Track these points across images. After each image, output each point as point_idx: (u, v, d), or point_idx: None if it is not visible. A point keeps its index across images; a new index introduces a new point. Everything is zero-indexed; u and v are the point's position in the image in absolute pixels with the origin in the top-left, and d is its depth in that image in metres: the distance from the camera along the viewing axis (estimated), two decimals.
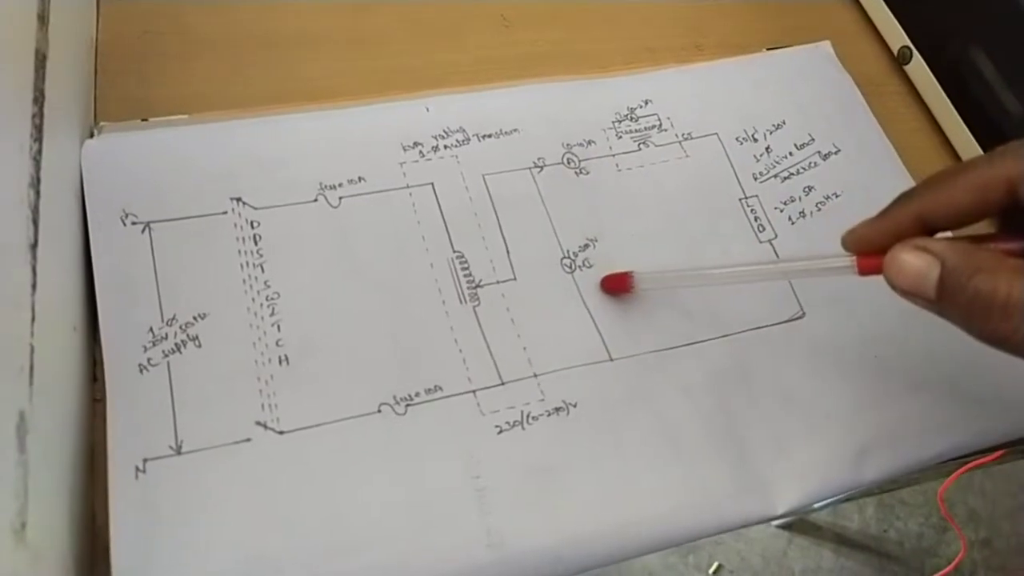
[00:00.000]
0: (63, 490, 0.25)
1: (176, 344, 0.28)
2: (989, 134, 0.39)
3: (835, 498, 0.98)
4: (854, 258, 0.26)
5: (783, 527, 1.15)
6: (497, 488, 0.28)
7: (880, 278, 0.25)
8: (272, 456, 0.27)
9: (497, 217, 0.33)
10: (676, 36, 0.42)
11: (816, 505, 1.03)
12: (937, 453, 0.32)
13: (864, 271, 0.25)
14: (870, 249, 0.25)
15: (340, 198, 0.32)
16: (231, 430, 0.27)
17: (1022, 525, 1.24)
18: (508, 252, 0.32)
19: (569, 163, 0.35)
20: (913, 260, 0.23)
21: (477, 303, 0.31)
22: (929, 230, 0.24)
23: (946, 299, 0.23)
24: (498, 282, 0.32)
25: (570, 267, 0.33)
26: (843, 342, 0.33)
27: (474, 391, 0.29)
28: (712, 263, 0.33)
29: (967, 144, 0.40)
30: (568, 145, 0.35)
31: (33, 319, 0.24)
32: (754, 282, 0.32)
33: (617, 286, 0.32)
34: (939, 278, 0.23)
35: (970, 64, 0.39)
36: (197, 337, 0.28)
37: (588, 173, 0.35)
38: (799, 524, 1.16)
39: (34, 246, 0.24)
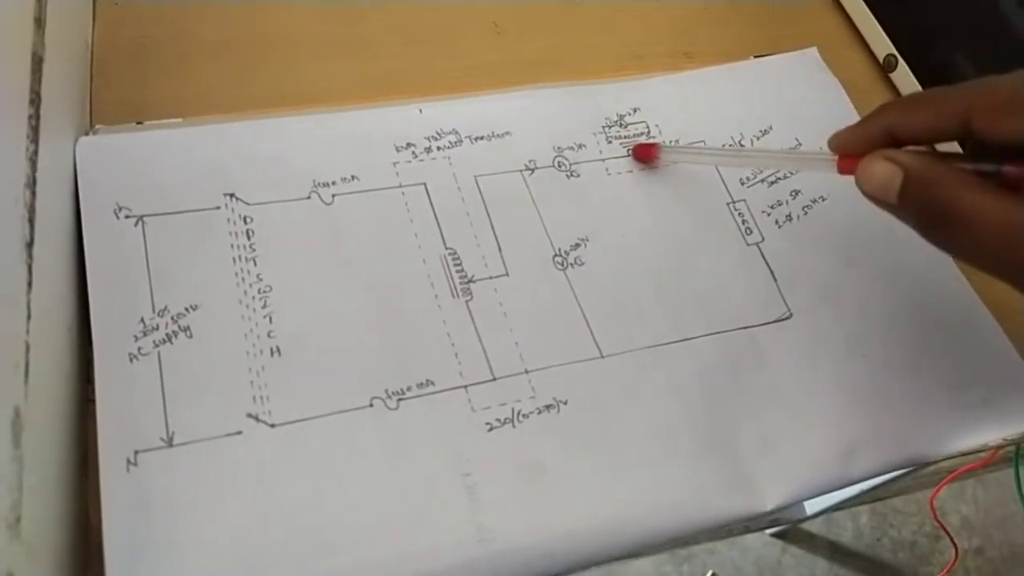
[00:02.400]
0: (57, 487, 0.25)
1: (167, 335, 0.28)
2: None
3: (828, 505, 0.97)
4: (836, 158, 0.29)
5: (777, 536, 1.15)
6: (488, 484, 0.28)
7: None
8: (263, 449, 0.27)
9: (489, 216, 0.33)
10: (666, 43, 0.43)
11: (809, 513, 1.02)
12: (924, 453, 0.32)
13: (843, 171, 0.29)
14: (848, 152, 0.29)
15: (333, 196, 0.32)
16: (222, 422, 0.27)
17: (1014, 533, 1.24)
18: (500, 249, 0.33)
19: (560, 166, 0.36)
20: (880, 168, 0.26)
21: (470, 297, 0.31)
22: (898, 143, 0.27)
23: (905, 205, 0.25)
24: (490, 277, 0.32)
25: (562, 264, 0.33)
26: (830, 342, 0.33)
27: (466, 386, 0.30)
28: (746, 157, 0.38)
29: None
30: (559, 149, 0.36)
31: (29, 317, 0.24)
32: (758, 166, 0.37)
33: (645, 154, 0.36)
34: (901, 185, 0.25)
35: (954, 71, 0.40)
36: (188, 328, 0.29)
37: (579, 176, 0.35)
38: (793, 533, 1.17)
39: (30, 245, 0.25)
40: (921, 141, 0.27)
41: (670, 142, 0.37)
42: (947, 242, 0.25)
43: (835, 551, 1.18)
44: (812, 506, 1.09)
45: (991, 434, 0.33)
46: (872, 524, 1.22)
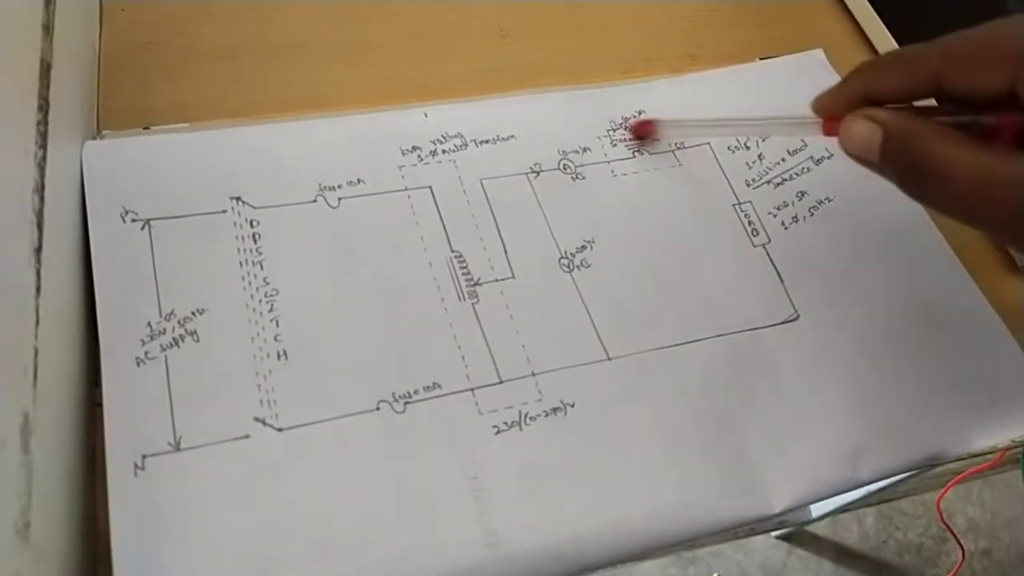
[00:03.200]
0: (65, 492, 0.25)
1: (174, 338, 0.28)
2: None
3: (834, 507, 0.97)
4: (820, 121, 0.30)
5: (782, 538, 1.15)
6: (495, 488, 0.28)
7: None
8: (271, 453, 0.27)
9: (495, 219, 0.33)
10: (671, 46, 0.43)
11: (815, 515, 1.01)
12: (931, 455, 0.32)
13: (828, 132, 0.29)
14: (830, 114, 0.29)
15: (339, 199, 0.32)
16: (230, 426, 0.27)
17: (1021, 535, 1.24)
18: (506, 252, 0.33)
19: (565, 169, 0.36)
20: (860, 127, 0.27)
21: (476, 300, 0.31)
22: (875, 103, 0.28)
23: (888, 161, 0.26)
24: (497, 280, 0.32)
25: (568, 267, 0.33)
26: (837, 344, 0.33)
27: (472, 389, 0.30)
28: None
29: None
30: (564, 152, 0.36)
31: (37, 322, 0.24)
32: (749, 133, 0.37)
33: (643, 130, 0.37)
34: (881, 143, 0.26)
35: None
36: (195, 332, 0.29)
37: (584, 179, 0.35)
38: (798, 535, 1.16)
39: (38, 250, 0.25)
40: (897, 100, 0.27)
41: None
42: (925, 194, 0.25)
43: (841, 553, 1.18)
44: (818, 508, 1.09)
45: (999, 435, 0.33)
46: (878, 526, 1.22)
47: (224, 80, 0.36)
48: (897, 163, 0.26)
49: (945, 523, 1.15)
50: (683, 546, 1.06)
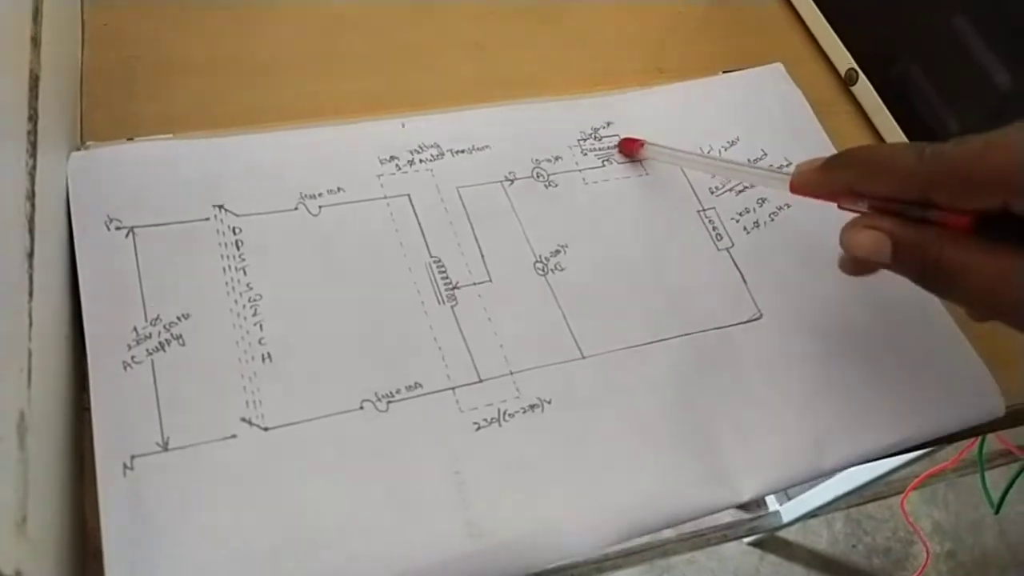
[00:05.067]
0: (57, 491, 0.25)
1: (160, 343, 0.29)
2: None
3: (804, 512, 0.99)
4: (788, 180, 0.32)
5: (754, 544, 1.17)
6: (476, 481, 0.29)
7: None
8: (258, 452, 0.28)
9: (471, 225, 0.35)
10: (639, 60, 0.44)
11: (785, 520, 1.04)
12: (892, 443, 0.34)
13: (794, 192, 0.32)
14: (811, 191, 0.31)
15: (320, 207, 0.33)
16: (217, 426, 0.28)
17: (985, 537, 1.27)
18: (483, 257, 0.34)
19: (538, 177, 0.37)
20: (867, 238, 0.28)
21: (455, 303, 0.33)
22: (856, 197, 0.30)
23: (901, 267, 0.28)
24: (474, 283, 0.33)
25: (543, 270, 0.34)
26: (798, 341, 0.35)
27: (453, 388, 0.31)
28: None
29: None
30: (537, 160, 0.37)
31: (31, 324, 0.25)
32: (723, 174, 0.39)
33: (630, 147, 0.38)
34: (892, 251, 0.28)
35: (912, 84, 0.42)
36: (181, 336, 0.29)
37: (556, 186, 0.37)
38: (770, 541, 1.18)
39: (31, 255, 0.26)
40: (880, 201, 0.29)
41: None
42: (945, 294, 0.28)
43: (812, 558, 1.20)
44: (788, 513, 1.11)
45: (951, 424, 0.34)
46: (847, 531, 1.24)
47: (206, 92, 0.37)
48: (912, 269, 0.28)
49: (911, 522, 1.17)
50: (657, 553, 1.07)
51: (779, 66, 0.44)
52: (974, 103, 0.39)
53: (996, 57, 0.37)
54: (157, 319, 0.30)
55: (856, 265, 0.32)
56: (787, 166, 0.40)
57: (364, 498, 0.28)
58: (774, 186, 0.33)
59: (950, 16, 0.39)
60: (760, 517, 1.13)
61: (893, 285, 0.31)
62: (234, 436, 0.28)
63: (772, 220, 0.38)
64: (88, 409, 0.28)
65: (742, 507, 1.16)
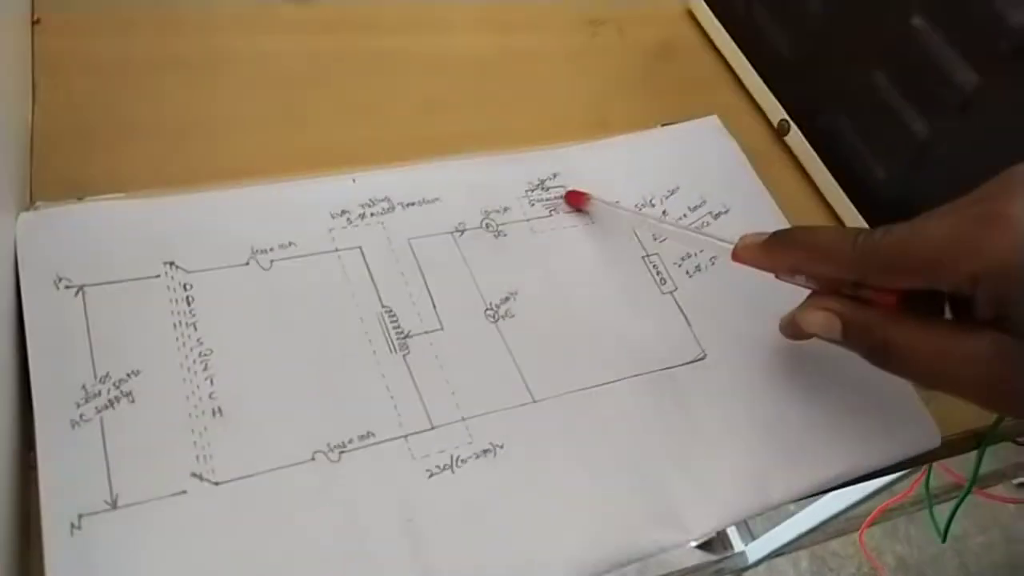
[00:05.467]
0: (2, 553, 0.25)
1: (109, 400, 0.29)
2: (860, 194, 0.44)
3: (769, 552, 0.99)
4: (731, 249, 0.34)
5: None
6: (430, 528, 0.29)
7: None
8: (208, 507, 0.28)
9: (423, 275, 0.35)
10: (583, 114, 0.46)
11: (751, 561, 1.04)
12: (834, 475, 0.35)
13: (736, 260, 0.34)
14: (752, 263, 0.34)
15: (271, 261, 0.34)
16: (167, 482, 0.28)
17: (946, 569, 1.29)
18: (434, 305, 0.35)
19: (487, 227, 0.38)
20: (819, 318, 0.32)
21: (407, 352, 0.33)
22: (795, 271, 0.33)
23: (851, 344, 0.31)
24: (426, 332, 0.34)
25: (493, 317, 0.35)
26: (742, 379, 0.36)
27: (406, 436, 0.31)
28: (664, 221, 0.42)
29: (841, 202, 0.45)
30: (486, 212, 0.39)
31: None
32: (666, 235, 0.40)
33: (576, 200, 0.40)
34: (842, 330, 0.31)
35: (840, 133, 0.44)
36: (131, 393, 0.29)
37: (506, 235, 0.38)
38: None
39: None
40: (820, 281, 0.32)
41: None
42: (891, 370, 0.31)
43: None
44: (754, 553, 1.12)
45: (890, 456, 0.36)
46: (812, 569, 1.25)
47: (157, 152, 0.38)
48: (860, 346, 0.31)
49: (871, 558, 1.19)
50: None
51: (714, 118, 0.46)
52: (896, 150, 0.41)
53: (912, 107, 0.40)
54: (106, 376, 0.30)
55: (799, 334, 0.34)
56: (725, 212, 0.42)
57: (317, 549, 0.28)
58: (717, 253, 0.35)
59: (869, 70, 0.41)
60: (726, 558, 1.13)
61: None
62: (184, 492, 0.28)
63: (712, 264, 0.40)
64: (34, 468, 0.28)
65: (708, 548, 1.16)
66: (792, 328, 0.35)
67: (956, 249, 0.27)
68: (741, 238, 0.34)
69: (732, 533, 1.15)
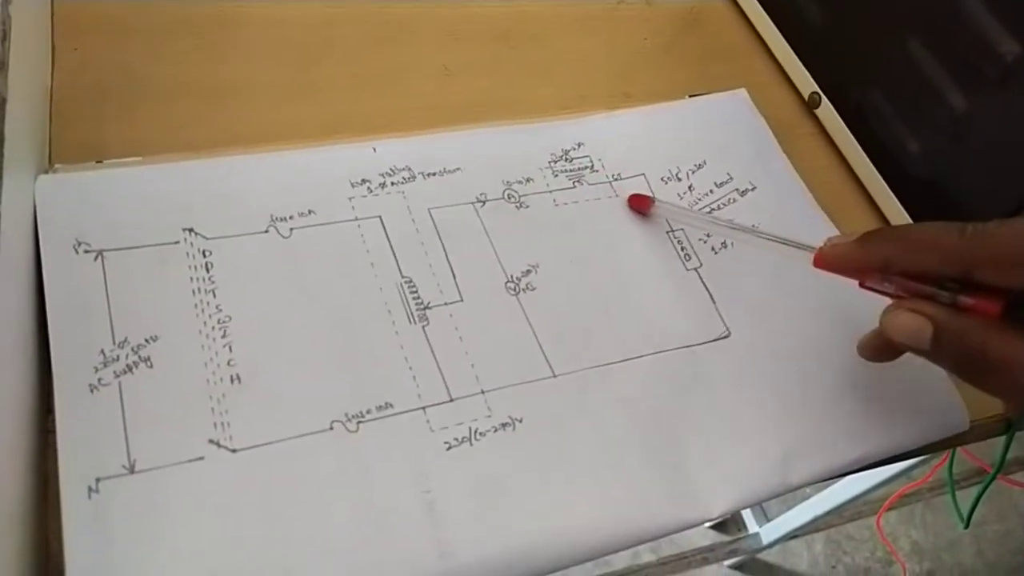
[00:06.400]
0: (17, 516, 0.25)
1: (128, 365, 0.29)
2: (892, 169, 0.43)
3: (784, 534, 0.99)
4: (814, 253, 0.32)
5: (735, 567, 1.17)
6: (447, 501, 0.29)
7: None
8: (225, 474, 0.28)
9: (443, 246, 0.35)
10: (606, 85, 0.45)
11: (765, 543, 1.04)
12: (857, 457, 0.34)
13: (818, 266, 0.32)
14: (838, 267, 0.31)
15: (291, 229, 0.34)
16: (184, 448, 0.28)
17: (963, 556, 1.28)
18: (455, 277, 0.34)
19: (509, 198, 0.37)
20: (908, 320, 0.28)
21: (426, 323, 0.33)
22: (889, 271, 0.30)
23: (942, 353, 0.28)
24: (446, 303, 0.33)
25: (514, 290, 0.35)
26: (765, 358, 0.35)
27: (424, 408, 0.31)
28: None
29: (872, 177, 0.44)
30: (508, 182, 0.38)
31: None
32: (741, 240, 0.38)
33: (639, 205, 0.38)
34: (932, 337, 0.28)
35: (873, 107, 0.43)
36: (149, 358, 0.29)
37: (528, 207, 0.37)
38: (750, 564, 1.18)
39: None
40: (915, 278, 0.29)
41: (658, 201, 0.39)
42: (984, 385, 0.28)
43: None
44: (768, 535, 1.11)
45: (916, 439, 0.35)
46: (827, 552, 1.24)
47: (176, 116, 0.37)
48: (952, 356, 0.28)
49: (887, 542, 1.18)
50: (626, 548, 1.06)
51: (743, 92, 0.45)
52: (932, 124, 0.40)
53: (949, 79, 0.38)
54: (125, 341, 0.29)
55: (880, 350, 0.32)
56: (752, 190, 0.41)
57: (333, 519, 0.28)
58: (794, 258, 0.33)
59: (905, 40, 0.40)
60: (740, 539, 1.13)
61: (858, 303, 0.32)
62: (201, 458, 0.28)
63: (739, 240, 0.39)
64: (52, 432, 0.28)
65: (722, 529, 1.16)
66: (871, 344, 0.32)
67: None
68: (827, 240, 0.31)
69: (747, 515, 1.15)
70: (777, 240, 0.34)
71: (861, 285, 0.31)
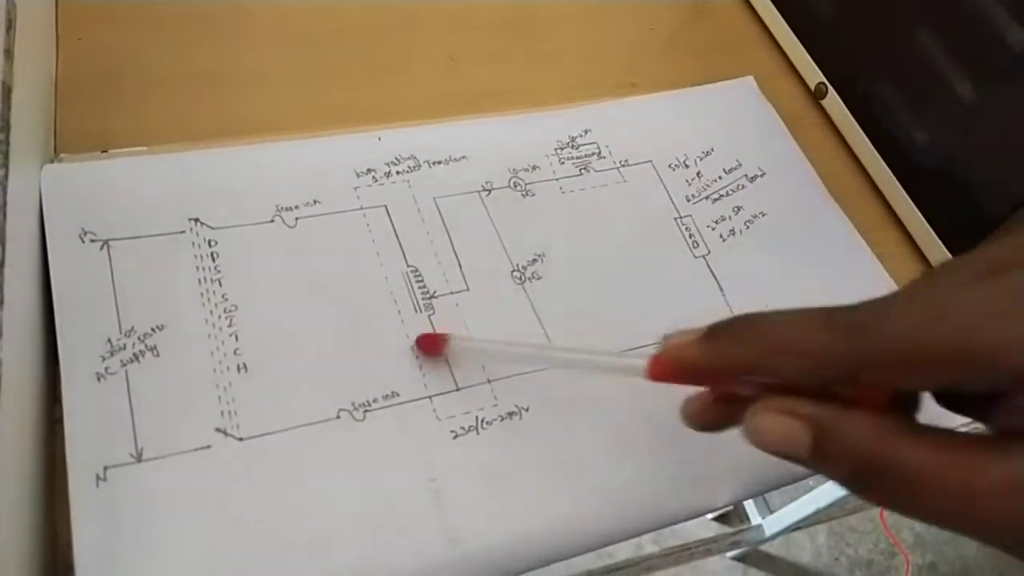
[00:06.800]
0: (25, 504, 0.25)
1: (134, 354, 0.29)
2: (899, 160, 0.43)
3: (787, 526, 0.99)
4: (645, 366, 0.25)
5: (737, 558, 1.17)
6: (454, 489, 0.29)
7: None
8: (232, 462, 0.28)
9: (449, 235, 0.35)
10: (612, 74, 0.45)
11: (768, 534, 1.03)
12: None
13: (653, 378, 0.25)
14: (682, 373, 0.24)
15: (296, 219, 0.34)
16: (191, 437, 0.28)
17: (966, 548, 1.28)
18: (460, 266, 0.34)
19: (515, 186, 0.37)
20: (775, 425, 0.22)
21: (432, 312, 0.33)
22: (748, 374, 0.23)
23: (826, 464, 0.21)
24: (452, 292, 0.33)
25: (520, 279, 0.35)
26: None
27: (430, 397, 0.31)
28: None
29: (879, 168, 0.43)
30: (514, 170, 0.38)
31: (0, 334, 0.24)
32: (560, 367, 0.32)
33: (431, 347, 0.31)
34: (812, 443, 0.21)
35: (880, 97, 0.43)
36: (155, 347, 0.29)
37: (534, 195, 0.37)
38: (753, 555, 1.18)
39: (1, 264, 0.25)
40: (789, 385, 0.22)
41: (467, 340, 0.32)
42: (884, 502, 0.21)
43: (795, 572, 1.20)
44: (771, 527, 1.12)
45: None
46: (830, 543, 1.24)
47: (181, 106, 0.37)
48: (840, 468, 0.21)
49: (891, 535, 1.18)
50: (640, 568, 1.06)
51: (750, 79, 0.45)
52: (939, 115, 0.40)
53: (958, 69, 0.38)
54: (131, 330, 0.29)
55: (713, 425, 0.25)
56: (761, 176, 0.41)
57: (340, 507, 0.28)
58: (627, 374, 0.26)
59: (913, 31, 0.40)
60: (743, 531, 1.13)
61: (871, 289, 0.31)
62: (208, 447, 0.28)
63: (747, 228, 0.39)
64: (59, 421, 0.27)
65: (724, 521, 1.16)
66: (704, 420, 0.25)
67: (1000, 333, 0.18)
68: (664, 338, 0.24)
69: (749, 506, 1.15)
70: (604, 363, 0.28)
71: (714, 392, 0.24)
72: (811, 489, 1.04)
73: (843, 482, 0.21)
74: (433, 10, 0.45)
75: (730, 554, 1.15)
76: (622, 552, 1.07)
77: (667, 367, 0.24)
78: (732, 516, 1.16)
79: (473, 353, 0.32)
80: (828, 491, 1.00)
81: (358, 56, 0.42)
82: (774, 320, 0.22)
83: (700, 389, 0.25)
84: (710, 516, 1.13)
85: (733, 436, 0.33)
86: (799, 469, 0.32)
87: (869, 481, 0.20)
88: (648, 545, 1.09)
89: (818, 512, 1.03)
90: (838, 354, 0.20)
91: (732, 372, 0.23)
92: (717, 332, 0.23)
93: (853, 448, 0.20)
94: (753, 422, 0.22)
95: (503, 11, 0.46)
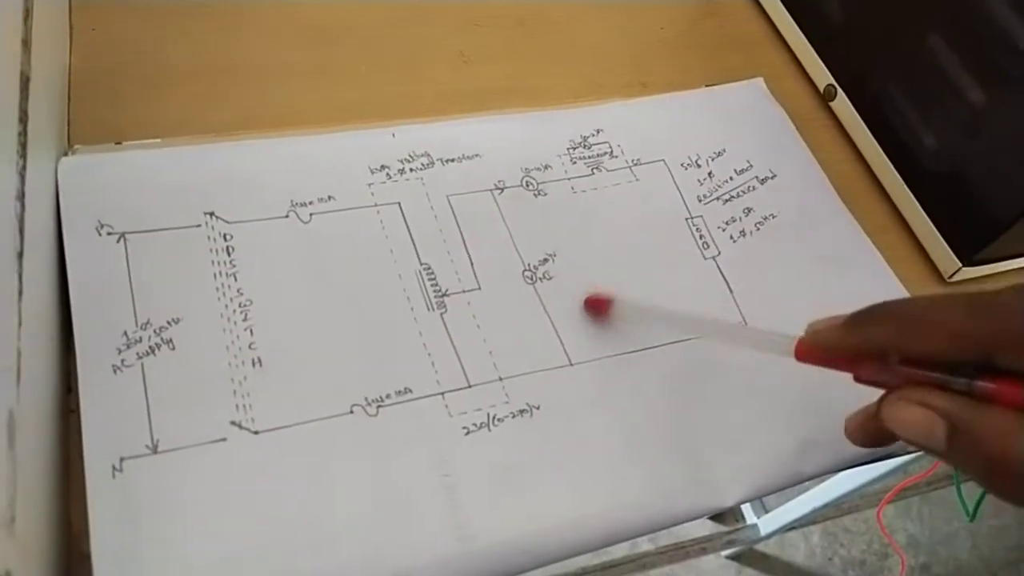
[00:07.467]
0: (44, 491, 0.25)
1: (150, 347, 0.29)
2: (906, 163, 0.43)
3: (781, 525, 0.99)
4: (794, 344, 0.27)
5: (732, 558, 1.17)
6: (466, 485, 0.29)
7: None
8: (247, 455, 0.28)
9: (461, 233, 0.35)
10: (623, 74, 0.45)
11: (763, 534, 1.04)
12: (870, 450, 0.34)
13: (800, 359, 0.27)
14: (827, 355, 0.26)
15: (311, 214, 0.34)
16: (206, 429, 0.28)
17: (959, 550, 1.29)
18: (472, 264, 0.34)
19: (528, 186, 0.37)
20: (914, 415, 0.23)
21: (444, 310, 0.33)
22: (885, 355, 0.24)
23: (958, 455, 0.22)
24: (464, 291, 0.34)
25: (531, 279, 0.35)
26: None
27: (442, 393, 0.31)
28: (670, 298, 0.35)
29: (887, 171, 0.44)
30: (526, 169, 0.38)
31: (20, 323, 0.24)
32: (711, 338, 0.34)
33: (596, 308, 0.34)
34: (947, 436, 0.22)
35: (889, 100, 0.43)
36: (171, 340, 0.29)
37: (546, 195, 0.37)
38: (747, 555, 1.19)
39: (20, 255, 0.25)
40: (921, 366, 0.23)
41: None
42: (1011, 495, 0.22)
43: (789, 571, 1.21)
44: (766, 526, 1.12)
45: None
46: (823, 544, 1.25)
47: (194, 99, 0.37)
48: (975, 461, 0.22)
49: (886, 533, 1.19)
50: (635, 566, 1.07)
51: (760, 81, 0.45)
52: (949, 119, 0.40)
53: (969, 74, 0.38)
54: (147, 323, 0.30)
55: (875, 437, 0.26)
56: (772, 178, 0.41)
57: (353, 501, 0.28)
58: (775, 352, 0.28)
59: (924, 35, 0.40)
60: (738, 530, 1.13)
61: (878, 293, 0.32)
62: (223, 439, 0.28)
63: (758, 229, 0.39)
64: (74, 411, 0.28)
65: (720, 520, 1.16)
66: (864, 428, 0.26)
67: None
68: (810, 325, 0.26)
69: (745, 505, 1.15)
70: (755, 333, 0.29)
71: (857, 379, 0.26)
72: (806, 489, 1.05)
73: (977, 479, 0.22)
74: (444, 8, 0.45)
75: (725, 553, 1.16)
76: (617, 550, 1.07)
77: (812, 348, 0.26)
78: (727, 515, 1.16)
79: (636, 314, 0.34)
80: (823, 492, 1.01)
81: (370, 51, 0.42)
82: (915, 302, 0.24)
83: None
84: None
85: (739, 437, 0.33)
86: (806, 470, 0.33)
87: (1004, 475, 0.21)
88: (643, 543, 1.10)
89: (813, 512, 1.03)
90: (976, 333, 0.21)
91: (872, 353, 0.24)
92: (859, 316, 0.25)
93: (985, 447, 0.21)
94: (890, 410, 0.23)
95: (513, 10, 0.46)
